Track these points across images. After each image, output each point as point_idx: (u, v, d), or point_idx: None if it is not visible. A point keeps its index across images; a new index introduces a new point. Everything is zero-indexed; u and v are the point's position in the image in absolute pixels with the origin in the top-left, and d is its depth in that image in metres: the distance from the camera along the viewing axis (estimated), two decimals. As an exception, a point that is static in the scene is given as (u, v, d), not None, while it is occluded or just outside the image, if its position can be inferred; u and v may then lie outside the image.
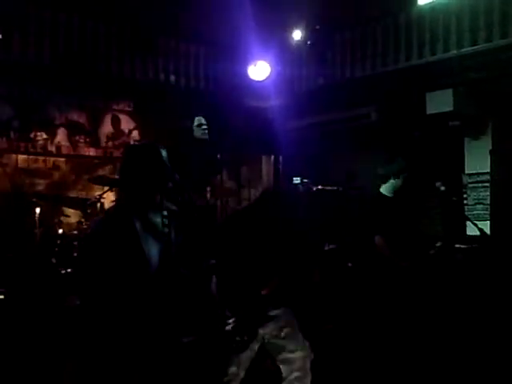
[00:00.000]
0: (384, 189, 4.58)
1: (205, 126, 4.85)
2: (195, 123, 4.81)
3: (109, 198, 6.18)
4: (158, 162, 2.59)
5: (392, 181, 4.56)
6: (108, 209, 2.89)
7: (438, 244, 4.68)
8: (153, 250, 2.55)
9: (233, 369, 3.37)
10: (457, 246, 5.26)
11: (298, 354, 3.36)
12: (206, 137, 4.82)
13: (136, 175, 2.58)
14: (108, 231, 2.55)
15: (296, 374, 3.33)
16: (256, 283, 3.36)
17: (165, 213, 2.62)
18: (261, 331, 3.36)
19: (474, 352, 4.69)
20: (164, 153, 2.63)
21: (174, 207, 2.74)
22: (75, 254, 5.19)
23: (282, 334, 3.37)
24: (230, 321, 3.26)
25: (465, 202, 6.99)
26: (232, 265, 3.34)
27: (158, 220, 2.60)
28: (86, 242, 2.80)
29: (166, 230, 2.58)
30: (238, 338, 3.24)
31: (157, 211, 2.62)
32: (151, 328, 2.55)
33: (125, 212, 2.58)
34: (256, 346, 3.36)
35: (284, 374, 3.37)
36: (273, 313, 3.38)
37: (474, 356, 4.67)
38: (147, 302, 2.52)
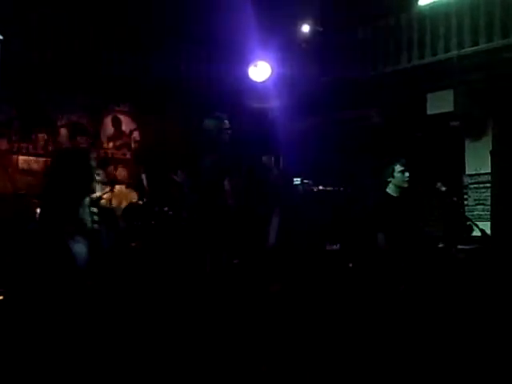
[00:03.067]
0: (390, 189, 4.59)
1: (229, 131, 4.89)
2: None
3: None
4: (85, 166, 2.77)
5: (392, 180, 4.57)
6: (39, 215, 3.05)
7: (440, 245, 4.69)
8: (80, 246, 2.70)
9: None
10: (459, 246, 5.26)
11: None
12: (227, 140, 4.86)
13: (64, 179, 2.74)
14: (38, 236, 2.74)
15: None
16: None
17: (94, 210, 2.80)
18: None
19: (474, 352, 4.68)
20: (92, 158, 2.81)
21: (106, 207, 2.89)
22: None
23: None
24: None
25: (465, 202, 6.99)
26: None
27: (88, 219, 2.77)
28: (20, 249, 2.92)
29: (96, 226, 2.76)
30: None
31: (87, 211, 2.78)
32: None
33: (54, 216, 2.73)
34: None
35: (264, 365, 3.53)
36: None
37: (475, 356, 4.66)
38: (76, 292, 2.67)
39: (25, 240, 2.89)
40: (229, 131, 4.87)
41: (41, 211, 2.89)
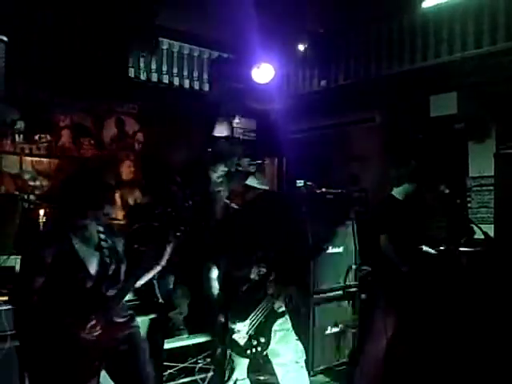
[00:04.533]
0: (396, 191, 4.57)
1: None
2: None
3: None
4: (102, 183, 2.91)
5: (406, 185, 4.55)
6: (45, 224, 3.17)
7: (442, 247, 4.69)
8: (91, 257, 2.86)
9: (239, 372, 3.39)
10: (461, 249, 5.25)
11: (289, 357, 3.41)
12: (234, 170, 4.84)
13: (83, 195, 2.86)
14: (47, 244, 2.82)
15: (292, 374, 3.39)
16: (258, 285, 3.37)
17: (101, 229, 2.93)
18: None
19: (477, 355, 4.67)
20: (110, 173, 2.99)
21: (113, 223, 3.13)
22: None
23: (276, 337, 3.39)
24: (244, 326, 3.26)
25: (469, 205, 6.98)
26: (234, 266, 3.36)
27: (95, 232, 2.92)
28: (27, 255, 2.99)
29: (104, 243, 2.91)
30: (255, 342, 3.25)
31: (94, 225, 2.93)
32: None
33: (62, 227, 2.87)
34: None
35: (280, 377, 3.42)
36: (280, 309, 3.39)
37: (478, 359, 4.65)
38: (90, 304, 2.79)
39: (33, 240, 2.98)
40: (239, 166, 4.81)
41: (54, 215, 2.99)
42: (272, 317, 3.31)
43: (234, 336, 3.26)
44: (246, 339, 3.25)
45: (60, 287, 2.82)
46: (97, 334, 2.75)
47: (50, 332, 2.78)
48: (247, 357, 3.29)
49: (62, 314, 2.78)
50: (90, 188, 2.87)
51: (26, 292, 2.83)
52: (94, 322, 2.73)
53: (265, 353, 3.29)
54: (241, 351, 3.27)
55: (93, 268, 2.84)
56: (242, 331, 3.25)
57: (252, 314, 3.28)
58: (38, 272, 2.80)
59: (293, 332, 3.50)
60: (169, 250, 2.99)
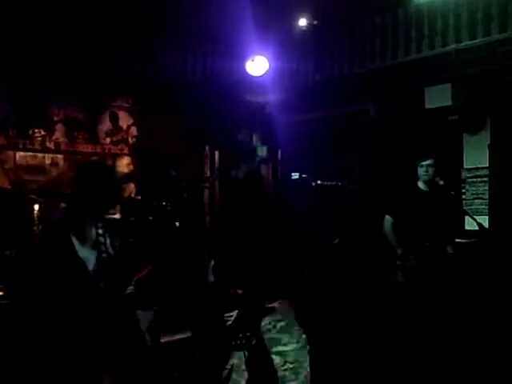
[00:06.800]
0: (419, 183, 4.86)
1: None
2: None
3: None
4: (106, 182, 2.89)
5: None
6: (47, 224, 3.19)
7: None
8: (89, 256, 2.87)
9: (234, 361, 3.39)
10: (456, 240, 5.27)
11: (291, 347, 3.39)
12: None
13: (89, 193, 2.85)
14: (48, 246, 2.85)
15: (290, 365, 3.37)
16: (256, 277, 3.36)
17: (99, 225, 2.95)
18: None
19: (473, 347, 4.70)
20: (114, 173, 2.86)
21: (111, 218, 3.08)
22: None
23: (277, 327, 3.39)
24: (232, 317, 3.27)
25: (463, 196, 7.00)
26: (231, 259, 3.35)
27: (93, 229, 2.92)
28: (28, 258, 3.05)
29: (102, 239, 2.92)
30: (240, 335, 3.25)
31: (93, 224, 2.94)
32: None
33: (63, 227, 2.87)
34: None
35: (277, 366, 3.41)
36: (269, 305, 3.39)
37: (473, 352, 4.67)
38: (90, 302, 2.82)
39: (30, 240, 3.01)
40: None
41: (58, 215, 2.99)
42: (260, 311, 3.31)
43: (225, 326, 3.28)
44: (232, 330, 3.26)
45: (58, 286, 2.81)
46: (95, 333, 2.75)
47: (47, 329, 2.77)
48: (232, 348, 3.30)
49: (59, 312, 2.77)
50: (102, 188, 2.85)
51: (23, 290, 2.83)
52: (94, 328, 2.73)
53: (249, 346, 3.28)
54: (227, 341, 3.28)
55: (91, 266, 2.84)
56: (230, 321, 3.26)
57: (241, 307, 3.29)
58: (37, 271, 2.80)
59: (295, 321, 3.49)
60: (166, 246, 3.00)
